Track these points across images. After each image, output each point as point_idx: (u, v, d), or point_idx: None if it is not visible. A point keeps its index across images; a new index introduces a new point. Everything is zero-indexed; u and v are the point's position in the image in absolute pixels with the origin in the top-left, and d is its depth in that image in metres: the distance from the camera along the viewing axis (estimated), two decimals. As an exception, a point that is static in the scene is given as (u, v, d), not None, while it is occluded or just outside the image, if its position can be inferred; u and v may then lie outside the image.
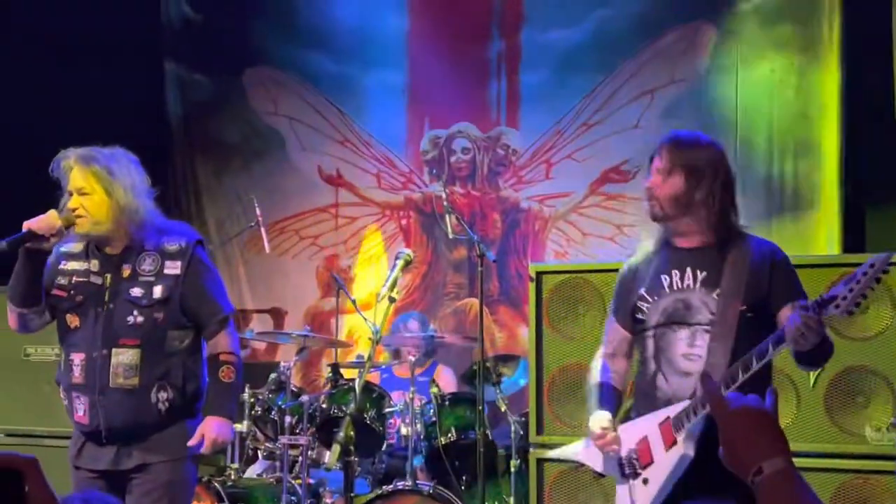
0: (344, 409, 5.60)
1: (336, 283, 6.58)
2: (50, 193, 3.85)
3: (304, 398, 5.75)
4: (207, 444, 3.80)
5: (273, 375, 6.12)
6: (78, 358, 3.80)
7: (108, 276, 3.82)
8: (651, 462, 3.35)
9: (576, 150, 7.97)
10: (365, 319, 4.72)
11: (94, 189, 3.75)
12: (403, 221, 8.40)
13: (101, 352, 3.75)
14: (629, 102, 7.82)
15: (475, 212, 8.15)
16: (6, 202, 5.69)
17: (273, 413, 5.98)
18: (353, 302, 6.30)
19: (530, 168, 8.11)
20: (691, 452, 3.24)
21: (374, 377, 6.49)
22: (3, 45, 7.51)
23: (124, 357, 3.75)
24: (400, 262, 3.86)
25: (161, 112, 8.93)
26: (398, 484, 5.37)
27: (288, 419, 5.72)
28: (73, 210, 3.74)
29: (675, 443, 3.29)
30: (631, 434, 3.45)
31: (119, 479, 3.81)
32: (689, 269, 3.38)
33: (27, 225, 3.66)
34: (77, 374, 3.80)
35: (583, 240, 7.91)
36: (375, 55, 8.48)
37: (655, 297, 3.43)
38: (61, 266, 3.88)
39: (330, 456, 3.69)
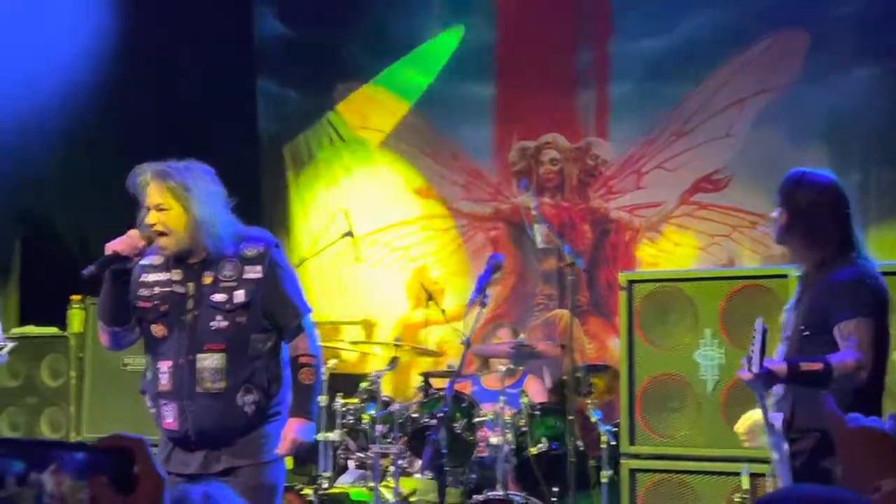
0: (436, 413, 5.60)
1: (426, 294, 6.62)
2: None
3: (395, 407, 5.77)
4: (287, 444, 3.85)
5: (364, 385, 6.15)
6: (165, 366, 3.87)
7: (191, 284, 3.88)
8: None
9: (666, 160, 7.90)
10: (454, 330, 4.73)
11: (172, 205, 3.80)
12: (492, 233, 8.41)
13: (187, 358, 3.82)
14: (720, 111, 7.73)
15: (564, 222, 8.12)
16: (101, 213, 5.84)
17: (364, 422, 6.01)
18: (443, 312, 6.32)
19: (620, 178, 8.06)
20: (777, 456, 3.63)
21: (465, 387, 6.50)
22: (99, 63, 7.70)
23: (210, 362, 3.81)
24: (491, 267, 3.87)
25: (253, 127, 9.08)
26: (489, 494, 5.36)
27: (379, 428, 5.75)
28: (152, 226, 3.80)
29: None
30: None
31: (207, 483, 3.86)
32: (796, 292, 3.88)
33: (111, 247, 3.73)
34: (164, 382, 3.87)
35: (674, 250, 7.83)
36: (463, 67, 8.52)
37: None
38: (143, 278, 3.95)
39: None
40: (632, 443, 5.18)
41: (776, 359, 3.67)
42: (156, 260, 3.95)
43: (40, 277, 7.73)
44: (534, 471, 5.63)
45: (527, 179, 8.13)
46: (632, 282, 5.27)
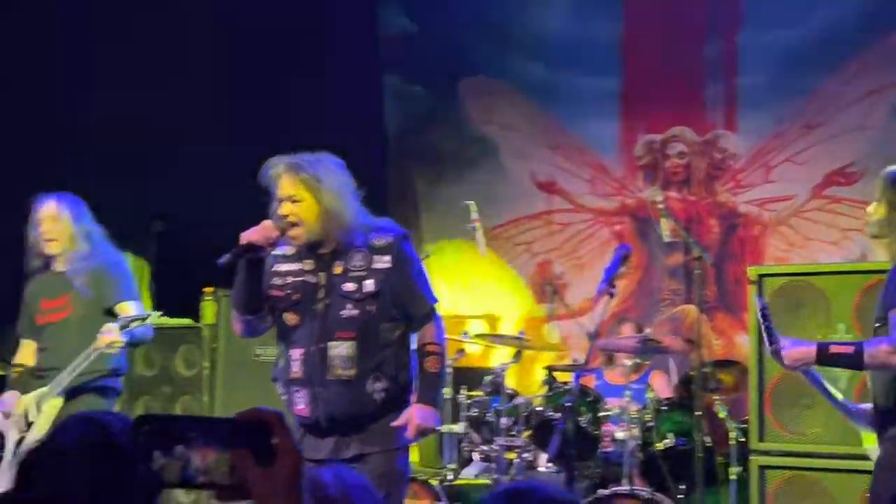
0: (563, 404, 5.57)
1: (550, 288, 6.60)
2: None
3: (519, 400, 5.77)
4: (412, 430, 3.87)
5: (488, 378, 6.17)
6: (297, 353, 3.95)
7: (322, 274, 3.96)
8: None
9: (796, 153, 7.73)
10: (579, 325, 4.71)
11: (304, 196, 3.87)
12: (617, 227, 8.34)
13: (318, 346, 3.89)
14: (855, 102, 7.53)
15: (691, 217, 8.01)
16: (234, 206, 5.95)
17: (489, 415, 6.02)
18: (566, 306, 6.30)
19: (748, 171, 7.91)
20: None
21: (588, 381, 6.46)
22: (231, 63, 7.87)
23: (341, 349, 3.87)
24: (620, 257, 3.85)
25: (379, 122, 9.18)
26: (615, 488, 5.33)
27: (504, 421, 5.75)
28: (285, 217, 3.88)
29: None
30: None
31: (337, 468, 3.93)
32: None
33: (245, 237, 3.81)
34: (296, 369, 3.95)
35: (805, 244, 7.66)
36: (589, 61, 8.47)
37: None
38: (275, 268, 4.04)
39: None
40: (761, 439, 5.08)
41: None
42: (288, 250, 4.04)
43: (175, 270, 7.94)
44: (660, 466, 5.57)
45: (651, 174, 8.06)
46: (762, 276, 5.17)
